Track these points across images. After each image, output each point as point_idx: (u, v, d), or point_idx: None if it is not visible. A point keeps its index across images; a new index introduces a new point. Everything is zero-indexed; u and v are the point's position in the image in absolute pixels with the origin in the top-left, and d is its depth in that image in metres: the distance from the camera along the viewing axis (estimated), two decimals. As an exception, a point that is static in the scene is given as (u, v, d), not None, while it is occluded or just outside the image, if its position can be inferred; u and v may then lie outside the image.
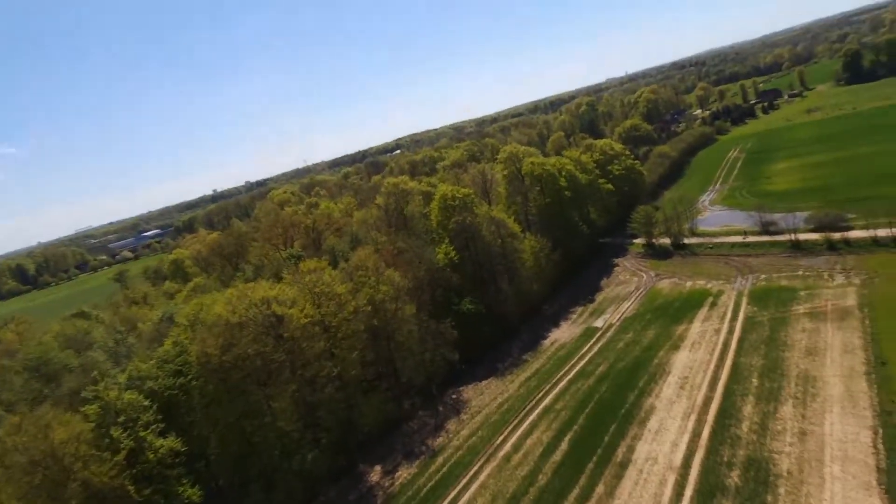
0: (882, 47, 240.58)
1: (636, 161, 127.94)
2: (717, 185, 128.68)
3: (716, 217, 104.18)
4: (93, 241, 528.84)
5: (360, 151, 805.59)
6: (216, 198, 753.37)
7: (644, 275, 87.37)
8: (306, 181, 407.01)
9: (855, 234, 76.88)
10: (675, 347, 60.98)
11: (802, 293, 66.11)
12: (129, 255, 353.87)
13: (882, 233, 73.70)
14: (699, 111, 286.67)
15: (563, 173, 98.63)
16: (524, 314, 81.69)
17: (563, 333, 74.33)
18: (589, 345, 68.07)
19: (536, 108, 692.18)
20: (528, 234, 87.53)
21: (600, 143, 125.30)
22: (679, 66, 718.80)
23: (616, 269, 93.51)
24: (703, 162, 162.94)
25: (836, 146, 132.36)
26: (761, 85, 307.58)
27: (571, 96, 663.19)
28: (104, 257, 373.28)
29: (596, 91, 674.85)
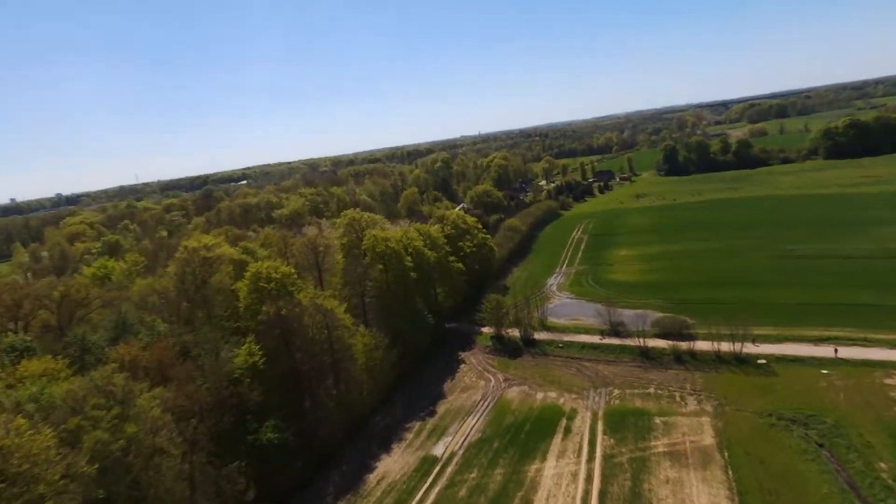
0: (693, 147, 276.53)
1: (488, 235, 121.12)
2: (564, 268, 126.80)
3: (564, 307, 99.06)
4: None
5: (201, 176, 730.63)
6: (11, 210, 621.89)
7: (492, 378, 76.52)
8: (123, 207, 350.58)
9: (699, 345, 74.51)
10: (528, 502, 49.10)
11: (658, 420, 59.93)
12: None
13: (724, 347, 72.28)
14: (544, 182, 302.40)
15: (410, 250, 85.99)
16: (350, 429, 65.22)
17: (394, 464, 58.98)
18: (424, 487, 53.64)
19: (394, 155, 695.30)
20: (362, 328, 71.86)
21: (452, 214, 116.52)
22: (526, 135, 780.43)
23: (462, 366, 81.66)
24: (549, 239, 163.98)
25: (666, 238, 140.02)
26: (597, 164, 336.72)
27: (428, 149, 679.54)
28: None
29: (451, 147, 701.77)
